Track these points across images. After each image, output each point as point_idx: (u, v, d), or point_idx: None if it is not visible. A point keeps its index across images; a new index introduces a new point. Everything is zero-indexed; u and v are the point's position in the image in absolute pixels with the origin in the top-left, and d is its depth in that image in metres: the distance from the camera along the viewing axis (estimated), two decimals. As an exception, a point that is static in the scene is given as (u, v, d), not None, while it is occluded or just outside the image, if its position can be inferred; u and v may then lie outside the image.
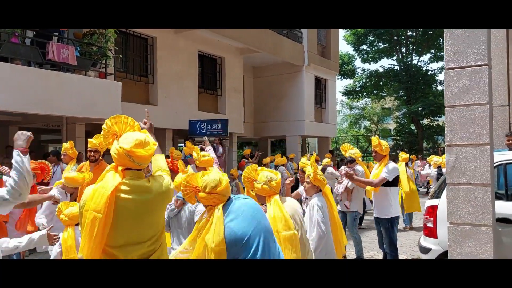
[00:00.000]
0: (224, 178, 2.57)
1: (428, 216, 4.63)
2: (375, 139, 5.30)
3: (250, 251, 2.39)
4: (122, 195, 2.24)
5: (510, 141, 5.80)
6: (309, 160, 4.25)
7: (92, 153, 5.35)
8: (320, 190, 3.99)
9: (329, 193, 4.11)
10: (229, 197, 2.57)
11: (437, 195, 4.71)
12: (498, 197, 4.22)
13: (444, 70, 3.61)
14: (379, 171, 5.18)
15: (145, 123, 2.97)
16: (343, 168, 6.83)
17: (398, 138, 30.43)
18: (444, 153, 14.70)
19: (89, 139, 5.44)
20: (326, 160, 8.83)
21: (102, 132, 2.51)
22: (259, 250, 2.41)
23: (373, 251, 7.11)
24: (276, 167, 11.56)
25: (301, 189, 4.61)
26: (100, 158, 5.43)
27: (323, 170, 8.46)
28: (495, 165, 4.16)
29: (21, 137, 2.55)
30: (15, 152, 2.44)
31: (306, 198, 4.31)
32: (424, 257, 4.72)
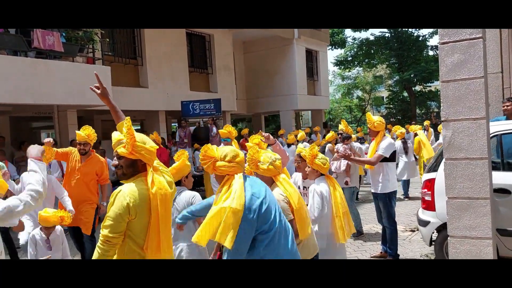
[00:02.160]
0: (240, 151, 2.72)
1: (425, 190, 4.67)
2: (367, 116, 5.29)
3: (268, 222, 2.50)
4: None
5: (505, 107, 5.75)
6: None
7: (82, 146, 5.12)
8: (322, 174, 3.87)
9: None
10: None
11: (434, 168, 4.74)
12: (494, 167, 4.25)
13: (438, 45, 3.57)
14: (373, 148, 5.19)
15: (98, 88, 3.00)
16: (340, 146, 6.83)
17: (391, 106, 30.44)
18: (437, 118, 14.70)
19: (77, 131, 5.19)
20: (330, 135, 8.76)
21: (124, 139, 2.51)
22: (276, 222, 2.53)
23: (371, 223, 7.20)
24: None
25: (295, 176, 4.46)
26: (91, 150, 5.26)
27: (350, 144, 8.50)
28: (490, 136, 4.17)
29: (35, 149, 2.79)
30: (30, 161, 2.62)
31: (304, 187, 4.25)
32: (423, 230, 4.78)
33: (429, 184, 4.61)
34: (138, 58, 12.48)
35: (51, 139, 5.22)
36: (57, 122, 10.18)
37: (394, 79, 30.17)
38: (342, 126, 7.82)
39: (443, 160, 3.63)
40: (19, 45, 8.01)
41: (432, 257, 5.29)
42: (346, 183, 6.39)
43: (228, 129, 5.89)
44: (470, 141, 3.46)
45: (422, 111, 30.92)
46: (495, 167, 4.33)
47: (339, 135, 7.51)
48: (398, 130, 9.57)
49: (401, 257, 5.33)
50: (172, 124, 19.49)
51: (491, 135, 4.23)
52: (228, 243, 2.37)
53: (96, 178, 5.24)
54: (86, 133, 5.09)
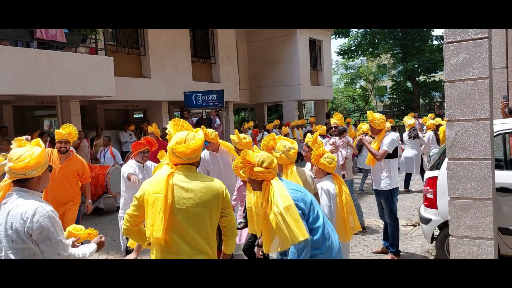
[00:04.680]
0: (274, 157, 2.88)
1: (428, 187, 4.67)
2: (369, 114, 5.25)
3: (315, 211, 2.77)
4: (177, 183, 2.48)
5: None
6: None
7: (63, 144, 4.98)
8: (329, 173, 3.80)
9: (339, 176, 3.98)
10: None
11: (436, 166, 4.73)
12: (498, 165, 4.24)
13: (443, 45, 3.54)
14: (376, 145, 5.17)
15: None
16: (337, 139, 6.79)
17: (394, 96, 30.29)
18: (440, 109, 14.86)
19: (56, 130, 5.06)
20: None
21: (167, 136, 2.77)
22: (316, 211, 2.77)
23: (373, 217, 7.21)
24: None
25: (307, 166, 4.46)
26: (71, 149, 5.16)
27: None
28: (495, 134, 4.16)
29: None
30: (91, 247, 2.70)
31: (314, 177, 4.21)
32: (424, 227, 4.79)
33: (432, 182, 4.61)
34: (141, 48, 12.44)
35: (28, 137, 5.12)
36: (60, 113, 10.20)
37: (398, 69, 29.97)
38: (335, 120, 7.79)
39: (446, 159, 3.63)
40: (22, 35, 7.99)
41: (433, 253, 5.32)
42: (343, 176, 6.37)
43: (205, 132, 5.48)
44: (473, 142, 3.45)
45: (426, 101, 30.80)
46: (498, 165, 4.33)
47: (334, 129, 7.49)
48: (428, 121, 9.56)
49: (402, 253, 5.35)
50: (175, 113, 19.49)
51: (495, 134, 4.21)
52: (302, 236, 2.55)
53: (78, 178, 5.16)
54: (67, 131, 4.98)
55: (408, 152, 9.40)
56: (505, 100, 5.92)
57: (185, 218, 2.45)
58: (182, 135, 2.57)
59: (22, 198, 2.35)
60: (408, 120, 9.75)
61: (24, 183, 2.40)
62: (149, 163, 5.29)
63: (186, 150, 2.51)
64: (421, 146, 9.54)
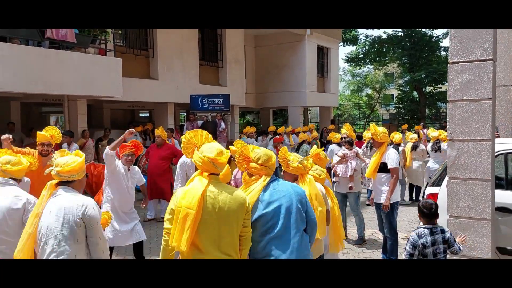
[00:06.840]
0: (274, 155, 2.99)
1: (428, 203, 4.69)
2: (372, 127, 5.28)
3: (268, 224, 2.77)
4: (210, 195, 2.62)
5: None
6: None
7: (45, 146, 4.88)
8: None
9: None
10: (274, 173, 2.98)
11: (437, 183, 4.76)
12: (498, 185, 4.26)
13: (448, 65, 3.57)
14: (377, 158, 5.22)
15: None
16: (341, 152, 6.81)
17: (400, 105, 30.26)
18: (445, 120, 14.74)
19: (39, 132, 4.96)
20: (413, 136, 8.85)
21: (182, 145, 3.00)
22: (278, 226, 2.75)
23: (373, 228, 7.22)
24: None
25: None
26: (52, 151, 4.98)
27: (415, 147, 8.87)
28: (496, 154, 4.18)
29: None
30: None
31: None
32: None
33: (432, 199, 4.63)
34: (149, 49, 12.50)
35: (9, 136, 4.89)
36: (67, 111, 10.29)
37: (405, 78, 29.94)
38: (345, 130, 7.81)
39: (447, 180, 3.66)
40: (32, 35, 8.09)
41: (431, 268, 5.34)
42: (351, 188, 6.41)
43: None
44: (474, 162, 3.49)
45: (432, 112, 30.74)
46: (499, 184, 4.35)
47: (342, 139, 7.50)
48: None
49: (400, 266, 5.37)
50: (180, 113, 19.56)
51: (496, 154, 4.23)
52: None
53: None
54: (50, 133, 4.92)
55: (431, 164, 9.37)
56: (496, 131, 5.96)
57: (217, 227, 2.60)
58: (218, 146, 2.77)
59: (71, 194, 2.88)
60: (432, 132, 9.59)
61: (67, 184, 2.92)
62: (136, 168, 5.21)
63: (226, 161, 2.73)
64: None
